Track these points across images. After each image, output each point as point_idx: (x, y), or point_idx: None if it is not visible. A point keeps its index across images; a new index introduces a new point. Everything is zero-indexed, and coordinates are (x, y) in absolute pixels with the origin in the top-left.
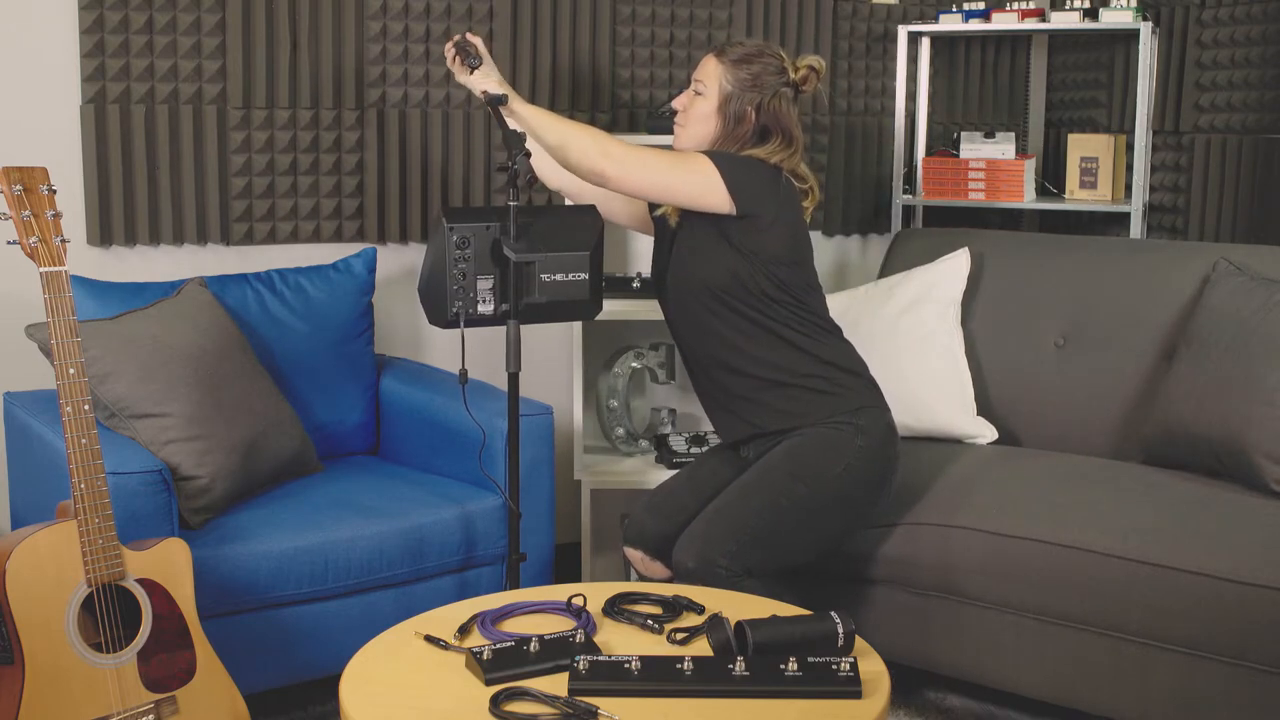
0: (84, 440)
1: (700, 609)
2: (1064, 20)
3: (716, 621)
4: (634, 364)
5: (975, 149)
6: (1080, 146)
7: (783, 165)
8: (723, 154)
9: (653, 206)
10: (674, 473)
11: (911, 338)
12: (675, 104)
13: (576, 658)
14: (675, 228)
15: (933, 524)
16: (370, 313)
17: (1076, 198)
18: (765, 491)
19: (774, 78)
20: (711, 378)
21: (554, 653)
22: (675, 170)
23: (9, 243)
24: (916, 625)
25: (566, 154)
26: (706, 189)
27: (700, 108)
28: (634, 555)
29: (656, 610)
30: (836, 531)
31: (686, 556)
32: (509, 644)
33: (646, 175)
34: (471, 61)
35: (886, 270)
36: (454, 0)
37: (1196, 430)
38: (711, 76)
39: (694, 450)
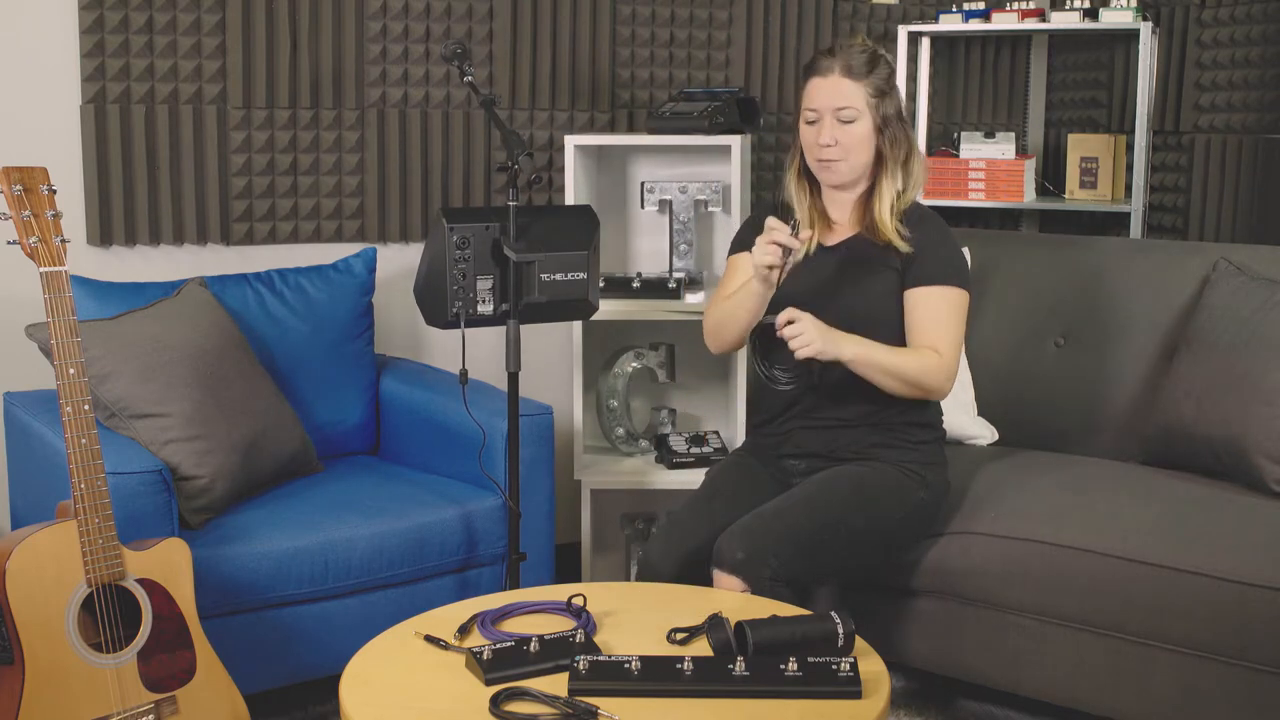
0: (84, 440)
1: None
2: (1064, 20)
3: (716, 621)
4: (634, 364)
5: (975, 149)
6: (1080, 146)
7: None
8: (957, 267)
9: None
10: (676, 499)
11: None
12: (823, 139)
13: (576, 658)
14: (820, 254)
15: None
16: (370, 313)
17: (1076, 198)
18: (826, 509)
19: (888, 70)
20: (815, 400)
21: (554, 653)
22: (963, 326)
23: (9, 243)
24: (916, 626)
25: (914, 389)
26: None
27: (859, 133)
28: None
29: None
30: (869, 564)
31: (737, 546)
32: (509, 644)
33: (958, 355)
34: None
35: None
36: (454, 0)
37: (1196, 430)
38: (855, 97)
39: (694, 450)
